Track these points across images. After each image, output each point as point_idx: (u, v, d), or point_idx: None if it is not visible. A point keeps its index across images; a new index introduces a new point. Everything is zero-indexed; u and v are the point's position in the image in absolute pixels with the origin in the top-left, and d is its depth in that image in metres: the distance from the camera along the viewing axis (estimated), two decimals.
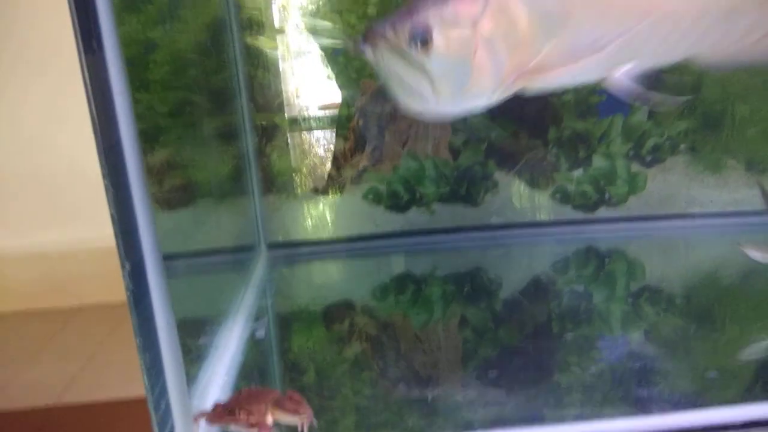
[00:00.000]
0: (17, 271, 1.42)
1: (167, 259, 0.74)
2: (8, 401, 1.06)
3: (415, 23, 0.65)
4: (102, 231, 0.60)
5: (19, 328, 1.36)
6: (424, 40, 0.64)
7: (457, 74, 0.67)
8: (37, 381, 1.12)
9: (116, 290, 0.55)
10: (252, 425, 0.59)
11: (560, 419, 0.65)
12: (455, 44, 0.66)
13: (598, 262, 1.15)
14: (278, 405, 0.62)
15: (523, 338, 0.87)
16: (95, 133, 0.49)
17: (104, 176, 0.50)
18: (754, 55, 0.77)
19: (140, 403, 0.57)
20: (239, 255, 1.10)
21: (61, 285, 1.43)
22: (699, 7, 0.76)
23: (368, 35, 0.66)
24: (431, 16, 0.65)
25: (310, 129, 1.19)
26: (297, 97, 1.18)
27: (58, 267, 1.44)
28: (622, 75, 0.74)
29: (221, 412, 0.59)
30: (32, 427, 0.97)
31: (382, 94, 1.16)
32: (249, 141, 1.14)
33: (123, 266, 0.52)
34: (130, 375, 0.58)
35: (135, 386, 0.56)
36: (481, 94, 0.70)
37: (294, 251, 1.20)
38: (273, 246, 1.19)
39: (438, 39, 0.65)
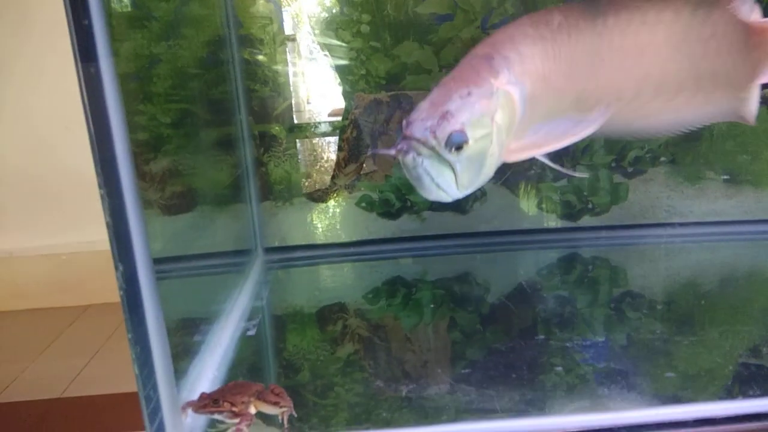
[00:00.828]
0: (28, 272, 1.49)
1: (167, 260, 0.80)
2: (15, 393, 1.12)
3: (453, 129, 0.67)
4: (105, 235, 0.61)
5: (29, 324, 1.43)
6: (460, 145, 0.67)
7: (477, 165, 0.71)
8: (44, 375, 1.18)
9: None
10: (235, 414, 0.64)
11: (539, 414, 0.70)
12: (482, 142, 0.70)
13: (581, 268, 1.19)
14: (261, 397, 0.67)
15: (506, 338, 0.91)
16: (92, 146, 0.55)
17: (100, 186, 0.55)
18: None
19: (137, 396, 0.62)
20: (236, 258, 1.15)
21: (70, 285, 1.50)
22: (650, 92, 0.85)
23: (410, 142, 0.67)
24: (465, 120, 0.68)
25: (306, 139, 1.25)
26: (293, 109, 1.23)
27: (67, 268, 1.50)
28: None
29: (206, 402, 0.64)
30: (36, 418, 1.03)
31: (375, 106, 1.21)
32: (247, 150, 1.20)
33: (116, 268, 0.58)
34: (131, 370, 0.63)
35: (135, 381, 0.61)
36: (489, 176, 0.75)
37: (289, 255, 1.25)
38: (269, 250, 1.24)
39: (472, 141, 0.68)
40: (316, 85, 1.27)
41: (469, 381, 0.77)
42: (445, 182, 0.69)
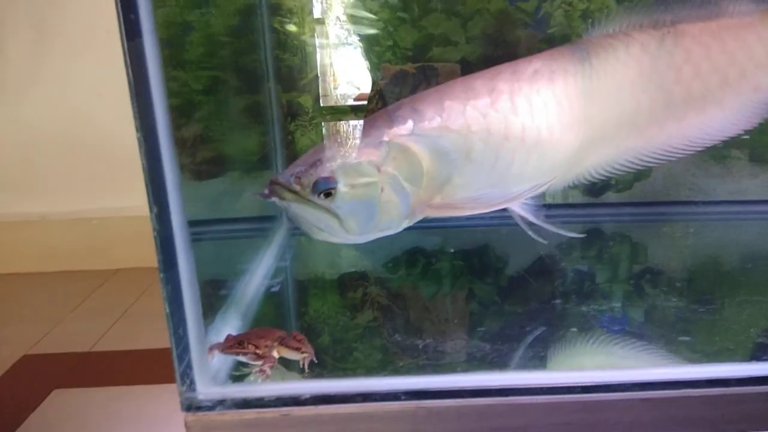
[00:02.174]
0: (61, 235, 1.54)
1: (197, 224, 0.83)
2: (47, 347, 1.17)
3: (319, 176, 0.70)
4: (139, 200, 0.64)
5: (60, 285, 1.48)
6: (327, 192, 0.70)
7: (364, 212, 0.73)
8: (73, 331, 1.23)
9: (151, 256, 0.60)
10: (258, 357, 0.67)
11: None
12: (360, 189, 0.72)
13: (602, 243, 1.19)
14: (283, 342, 0.70)
15: (525, 305, 0.92)
16: (134, 113, 0.57)
17: (137, 129, 0.58)
18: None
19: (166, 352, 0.65)
20: (262, 223, 1.18)
21: (100, 249, 1.55)
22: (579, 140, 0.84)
23: (273, 187, 0.71)
24: (335, 169, 0.71)
25: (333, 110, 1.27)
26: (320, 79, 1.25)
27: (98, 233, 1.55)
28: (517, 208, 0.84)
29: (232, 344, 0.67)
30: (66, 369, 1.08)
31: (401, 78, 1.22)
32: (275, 118, 1.22)
33: (151, 209, 0.60)
34: (160, 330, 0.65)
35: (163, 339, 0.63)
36: (389, 226, 0.77)
37: None
38: None
39: (342, 188, 0.70)
40: (343, 56, 1.28)
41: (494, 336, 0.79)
42: (327, 226, 0.72)
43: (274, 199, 0.71)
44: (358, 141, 0.75)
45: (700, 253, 1.12)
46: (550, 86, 0.82)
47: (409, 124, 0.76)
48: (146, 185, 0.59)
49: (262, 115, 1.19)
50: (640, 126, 0.89)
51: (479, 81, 0.82)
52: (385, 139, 0.74)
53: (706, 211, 1.21)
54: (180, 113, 0.94)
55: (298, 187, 0.70)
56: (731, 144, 1.18)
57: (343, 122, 1.22)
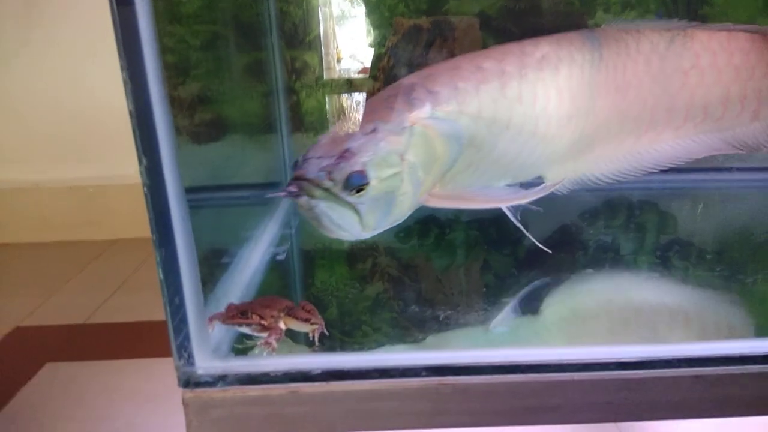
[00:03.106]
0: (55, 204, 1.47)
1: (195, 190, 0.76)
2: (40, 319, 1.11)
3: (352, 170, 0.61)
4: (137, 168, 0.58)
5: (56, 256, 1.42)
6: (360, 187, 0.61)
7: (384, 206, 0.65)
8: (68, 303, 1.17)
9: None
10: (264, 328, 0.60)
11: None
12: (386, 183, 0.64)
13: (629, 212, 1.12)
14: (291, 313, 0.63)
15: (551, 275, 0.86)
16: (123, 72, 0.50)
17: (122, 68, 0.50)
18: None
19: (162, 324, 0.58)
20: (265, 190, 1.11)
21: (97, 219, 1.48)
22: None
23: (301, 184, 0.61)
24: (367, 159, 0.62)
25: (340, 68, 1.19)
26: (327, 34, 1.17)
27: (94, 201, 1.48)
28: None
29: (234, 313, 0.60)
30: (61, 341, 1.02)
31: (414, 33, 1.14)
32: (278, 78, 1.14)
33: (140, 162, 0.53)
34: (160, 302, 0.59)
35: (160, 311, 0.57)
36: (398, 219, 0.69)
37: None
38: None
39: (373, 182, 0.62)
40: (348, 11, 1.20)
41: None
42: (347, 223, 0.64)
43: (300, 199, 0.62)
44: (378, 125, 0.65)
45: (739, 221, 1.05)
46: (555, 74, 0.77)
47: (428, 107, 0.69)
48: (134, 135, 0.52)
49: (265, 73, 1.11)
50: (641, 129, 0.87)
51: (488, 62, 0.74)
52: (408, 124, 0.66)
53: (742, 178, 1.13)
54: (176, 71, 0.87)
55: (330, 183, 0.61)
56: None
57: (353, 96, 1.14)
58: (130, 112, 0.52)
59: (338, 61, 1.23)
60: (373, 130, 0.64)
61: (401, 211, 0.68)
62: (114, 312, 1.13)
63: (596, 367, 0.59)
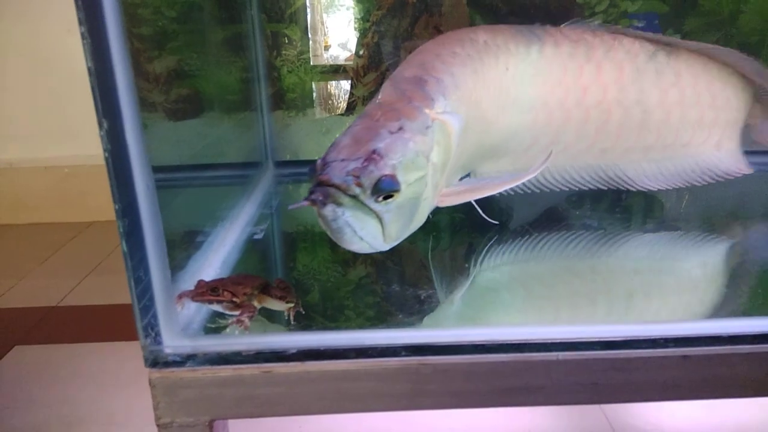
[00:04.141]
0: (29, 184, 1.43)
1: (170, 169, 0.72)
2: (12, 300, 1.07)
3: (382, 174, 0.54)
4: None
5: (29, 238, 1.38)
6: (390, 194, 0.55)
7: (408, 214, 0.58)
8: (41, 285, 1.13)
9: None
10: (236, 306, 0.57)
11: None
12: (413, 188, 0.57)
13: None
14: (265, 291, 0.60)
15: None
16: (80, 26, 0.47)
17: (80, 22, 0.47)
18: None
19: None
20: (244, 170, 1.08)
21: (72, 200, 1.44)
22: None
23: (327, 191, 0.54)
24: (396, 162, 0.55)
25: (323, 43, 1.15)
26: (310, 7, 1.13)
27: (70, 182, 1.44)
28: None
29: (204, 290, 0.57)
30: (33, 323, 0.98)
31: (399, 7, 1.11)
32: (259, 53, 1.10)
33: (100, 125, 0.50)
34: None
35: None
36: (419, 224, 0.62)
37: (301, 170, 1.17)
38: (280, 164, 1.16)
39: (404, 187, 0.55)
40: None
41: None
42: (369, 234, 0.56)
43: (326, 208, 0.54)
44: (405, 123, 0.58)
45: (744, 201, 1.02)
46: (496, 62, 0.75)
47: (441, 99, 0.63)
48: (93, 95, 0.48)
49: (244, 48, 1.07)
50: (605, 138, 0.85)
51: (455, 46, 0.72)
52: (430, 123, 0.60)
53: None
54: (149, 44, 0.83)
55: (358, 189, 0.54)
56: None
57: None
58: (89, 70, 0.48)
59: (326, 48, 1.20)
60: (400, 129, 0.57)
61: (421, 219, 0.61)
62: (87, 295, 1.09)
63: (582, 347, 0.56)
